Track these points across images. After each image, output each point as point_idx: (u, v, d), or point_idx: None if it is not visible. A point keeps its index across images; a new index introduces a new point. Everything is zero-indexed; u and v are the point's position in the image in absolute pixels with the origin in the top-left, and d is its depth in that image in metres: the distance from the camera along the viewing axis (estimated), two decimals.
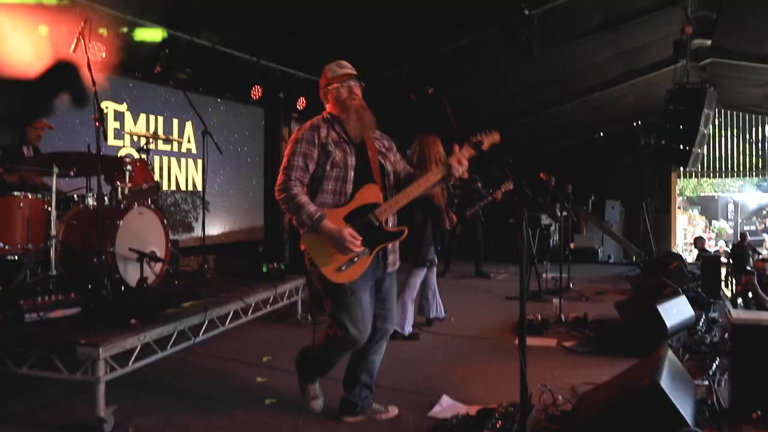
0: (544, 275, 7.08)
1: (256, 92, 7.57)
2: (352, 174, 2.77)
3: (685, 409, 2.46)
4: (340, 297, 2.74)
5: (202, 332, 3.80)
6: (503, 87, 9.61)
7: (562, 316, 5.19)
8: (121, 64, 5.73)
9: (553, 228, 10.01)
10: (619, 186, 12.44)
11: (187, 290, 4.35)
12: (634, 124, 12.66)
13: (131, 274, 4.26)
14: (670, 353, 2.88)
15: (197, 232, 7.28)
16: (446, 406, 3.25)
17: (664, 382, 2.45)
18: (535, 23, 7.05)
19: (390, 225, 2.85)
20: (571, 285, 6.78)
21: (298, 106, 8.23)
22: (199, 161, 7.45)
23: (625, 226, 12.56)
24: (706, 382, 3.39)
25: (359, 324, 2.76)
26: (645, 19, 8.07)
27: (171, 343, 3.55)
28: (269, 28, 6.36)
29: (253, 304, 4.43)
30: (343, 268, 2.67)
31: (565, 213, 7.73)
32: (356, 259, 2.68)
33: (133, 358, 3.19)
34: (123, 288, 4.14)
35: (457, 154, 2.75)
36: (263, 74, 7.54)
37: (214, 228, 7.64)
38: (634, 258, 11.48)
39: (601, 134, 12.75)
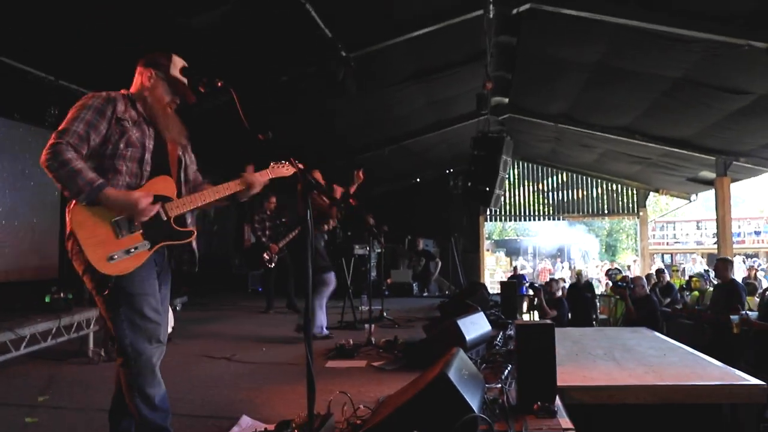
0: (360, 308, 7.17)
1: (54, 115, 6.86)
2: (149, 157, 2.48)
3: (473, 399, 2.56)
4: (122, 297, 2.32)
5: None
6: (329, 126, 9.82)
7: (373, 339, 5.27)
8: None
9: (371, 263, 10.26)
10: (432, 226, 13.33)
11: None
12: (447, 171, 13.75)
13: None
14: (461, 353, 3.02)
15: None
16: (245, 426, 3.06)
17: (452, 375, 2.55)
18: (352, 65, 7.38)
19: (188, 223, 2.60)
20: (385, 314, 6.92)
21: None
22: None
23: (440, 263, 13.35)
24: (499, 385, 3.62)
25: (149, 326, 2.37)
26: (451, 73, 8.86)
27: None
28: (68, 43, 5.84)
29: (28, 337, 3.87)
30: (116, 257, 2.28)
31: (380, 249, 8.02)
32: (133, 250, 2.33)
33: None
34: None
35: (261, 173, 2.73)
36: (61, 95, 6.87)
37: None
38: (446, 291, 12.22)
39: (418, 180, 13.64)
